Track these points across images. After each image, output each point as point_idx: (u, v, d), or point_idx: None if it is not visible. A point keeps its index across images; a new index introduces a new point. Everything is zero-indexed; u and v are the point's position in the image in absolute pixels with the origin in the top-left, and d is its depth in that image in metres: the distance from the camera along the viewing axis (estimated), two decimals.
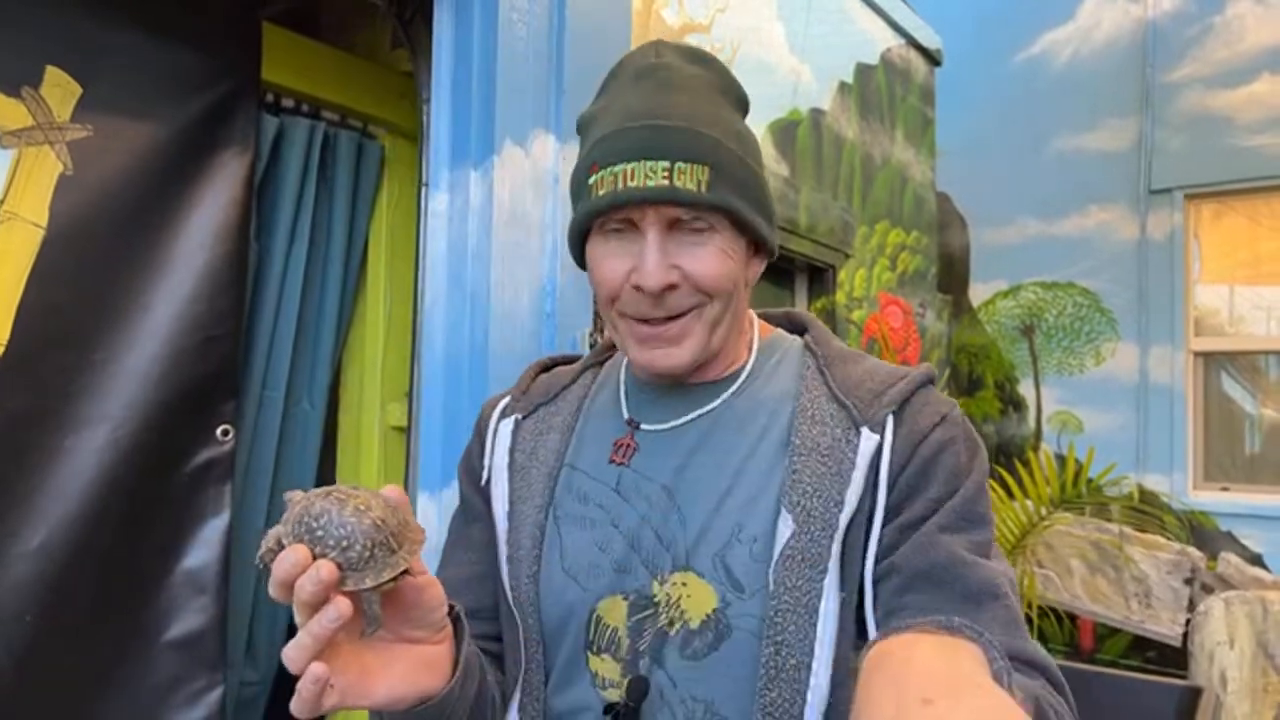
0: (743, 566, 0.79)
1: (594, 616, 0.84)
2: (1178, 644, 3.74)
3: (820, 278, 3.44)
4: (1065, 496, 3.54)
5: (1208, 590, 3.75)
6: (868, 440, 0.80)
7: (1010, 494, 3.51)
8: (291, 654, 0.65)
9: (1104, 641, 3.98)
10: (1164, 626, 3.78)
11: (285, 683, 2.00)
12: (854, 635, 0.78)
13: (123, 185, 1.57)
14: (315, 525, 0.65)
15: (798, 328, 0.97)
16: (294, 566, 0.63)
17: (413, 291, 1.84)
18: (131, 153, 1.57)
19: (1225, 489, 3.97)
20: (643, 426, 0.89)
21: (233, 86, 1.70)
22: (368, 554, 0.65)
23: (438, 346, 1.59)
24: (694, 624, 0.80)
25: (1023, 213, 4.56)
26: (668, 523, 0.83)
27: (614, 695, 0.82)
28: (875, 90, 3.71)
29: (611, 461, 0.88)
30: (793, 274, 3.45)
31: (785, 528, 0.78)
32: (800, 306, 3.50)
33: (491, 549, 0.93)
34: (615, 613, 0.84)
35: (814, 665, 0.76)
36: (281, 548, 0.66)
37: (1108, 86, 4.31)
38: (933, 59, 4.14)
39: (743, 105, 0.88)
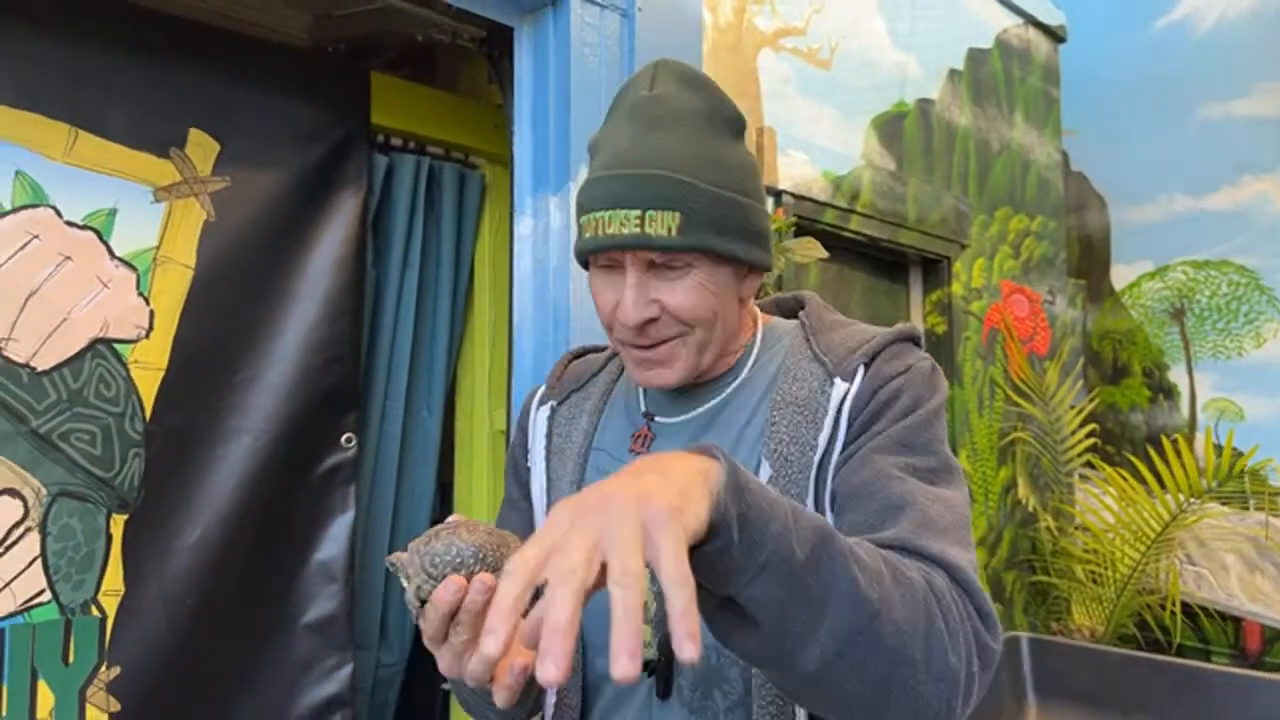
0: None
1: None
2: None
3: (934, 269, 3.40)
4: (1216, 488, 3.33)
5: None
6: (839, 388, 0.88)
7: (1148, 487, 3.34)
8: (477, 669, 0.71)
9: (1272, 645, 3.72)
10: None
11: (419, 663, 2.21)
12: None
13: (256, 227, 1.80)
14: (435, 563, 0.74)
15: (797, 308, 1.03)
16: (458, 591, 0.72)
17: (509, 309, 2.01)
18: (263, 198, 1.81)
19: None
20: (657, 418, 0.98)
21: (347, 132, 1.91)
22: (493, 558, 0.75)
23: (527, 359, 1.74)
24: None
25: (1168, 188, 4.30)
26: None
27: (648, 654, 0.91)
28: (990, 74, 3.62)
29: (632, 450, 0.97)
30: (906, 267, 3.42)
31: (764, 474, 0.86)
32: (915, 299, 3.46)
33: (529, 532, 1.03)
34: None
35: None
36: (422, 601, 0.74)
37: (1260, 49, 4.01)
38: (1056, 36, 3.98)
39: (734, 126, 0.92)
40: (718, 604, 0.68)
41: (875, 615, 0.67)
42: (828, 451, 0.86)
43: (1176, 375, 4.31)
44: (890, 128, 3.12)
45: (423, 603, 0.74)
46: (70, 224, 1.59)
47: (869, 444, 0.85)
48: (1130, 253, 4.43)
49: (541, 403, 1.08)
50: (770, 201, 2.66)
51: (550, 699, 0.99)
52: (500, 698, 0.76)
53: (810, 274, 2.91)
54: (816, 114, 2.88)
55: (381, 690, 2.14)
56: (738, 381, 0.96)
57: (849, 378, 0.88)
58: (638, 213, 0.84)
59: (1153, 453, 3.41)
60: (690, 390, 0.97)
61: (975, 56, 3.53)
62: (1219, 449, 3.31)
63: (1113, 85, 4.30)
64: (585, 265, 0.95)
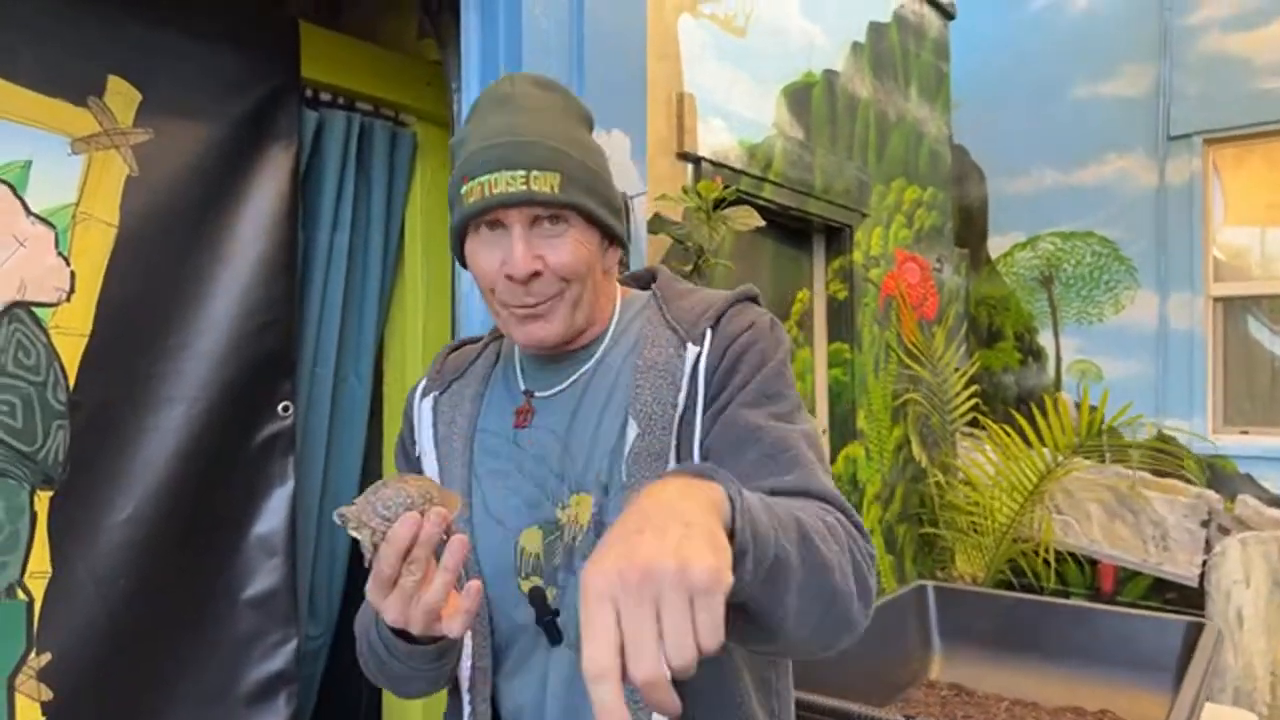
0: (606, 473, 0.98)
1: (518, 548, 1.01)
2: (1195, 585, 3.85)
3: (837, 238, 3.52)
4: (1083, 443, 3.62)
5: (1225, 532, 3.83)
6: (691, 352, 0.98)
7: (1028, 442, 3.60)
8: (432, 599, 0.79)
9: (1124, 585, 4.09)
10: (1181, 568, 3.88)
11: (345, 637, 2.16)
12: None
13: (183, 183, 1.69)
14: (388, 505, 0.79)
15: (650, 281, 1.13)
16: (413, 525, 0.78)
17: (450, 270, 1.96)
18: (189, 153, 1.70)
19: (1245, 432, 4.04)
20: (536, 394, 1.06)
21: (275, 85, 1.81)
22: (439, 498, 0.81)
23: (475, 325, 1.71)
24: (585, 530, 0.98)
25: (1040, 163, 4.58)
26: (562, 462, 1.01)
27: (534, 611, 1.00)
28: (888, 48, 3.75)
29: (515, 426, 1.06)
30: (810, 235, 3.53)
31: (632, 431, 0.96)
32: (818, 267, 3.58)
33: None
34: (533, 541, 1.01)
35: None
36: (375, 544, 0.78)
37: (1125, 31, 4.31)
38: (946, 13, 4.15)
39: (587, 121, 1.04)
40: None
41: (831, 573, 0.79)
42: (687, 409, 0.97)
43: (1044, 339, 4.64)
44: (799, 97, 3.20)
45: (375, 547, 0.78)
46: None
47: (734, 400, 0.96)
48: (1005, 224, 4.71)
49: (424, 394, 1.14)
50: (690, 168, 2.68)
51: (465, 665, 1.05)
52: (455, 625, 0.83)
53: (725, 243, 2.96)
54: (732, 81, 2.92)
55: (309, 664, 2.09)
56: (602, 350, 1.06)
57: (699, 341, 0.99)
58: (523, 173, 0.93)
59: (1035, 409, 3.67)
60: (561, 364, 1.06)
61: (876, 29, 3.65)
62: (1093, 408, 3.59)
63: (993, 63, 4.53)
64: (460, 239, 1.01)
